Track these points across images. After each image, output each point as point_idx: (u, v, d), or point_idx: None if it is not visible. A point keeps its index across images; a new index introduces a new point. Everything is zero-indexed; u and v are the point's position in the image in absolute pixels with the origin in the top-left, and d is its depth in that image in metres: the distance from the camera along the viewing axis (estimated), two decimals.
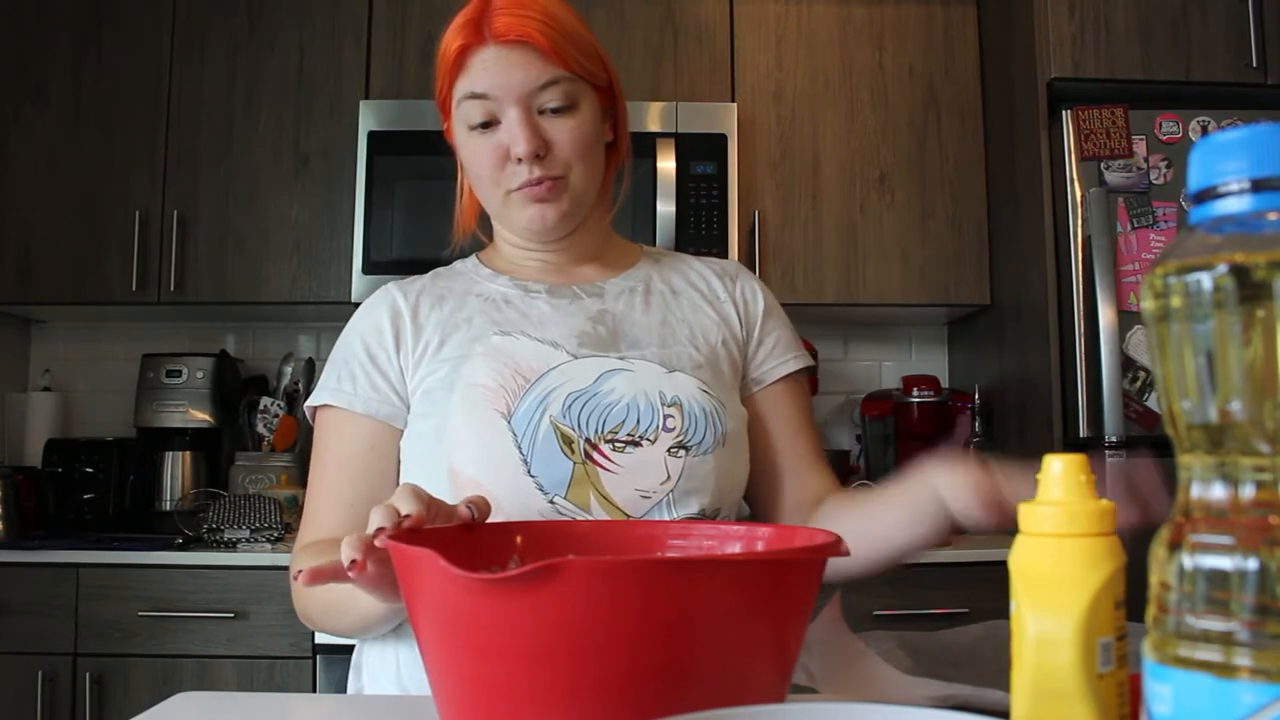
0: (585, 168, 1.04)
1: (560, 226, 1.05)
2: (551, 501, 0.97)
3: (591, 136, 1.04)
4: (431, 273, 1.15)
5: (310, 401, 1.09)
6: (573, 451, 0.98)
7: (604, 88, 1.07)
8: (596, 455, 0.98)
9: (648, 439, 0.99)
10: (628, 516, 0.98)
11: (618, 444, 0.99)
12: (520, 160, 1.00)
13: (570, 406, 0.99)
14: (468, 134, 1.03)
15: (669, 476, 0.99)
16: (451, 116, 1.05)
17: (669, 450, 1.00)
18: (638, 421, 1.00)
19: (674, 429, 1.00)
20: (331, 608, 0.97)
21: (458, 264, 1.16)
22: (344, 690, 2.11)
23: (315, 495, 1.06)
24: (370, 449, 1.05)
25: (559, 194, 1.03)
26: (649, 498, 0.99)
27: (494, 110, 1.00)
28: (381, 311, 1.08)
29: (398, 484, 1.06)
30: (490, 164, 1.02)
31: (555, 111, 1.01)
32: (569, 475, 0.97)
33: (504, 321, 1.05)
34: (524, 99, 0.99)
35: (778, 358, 1.14)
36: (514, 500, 0.97)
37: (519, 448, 0.98)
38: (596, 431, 0.99)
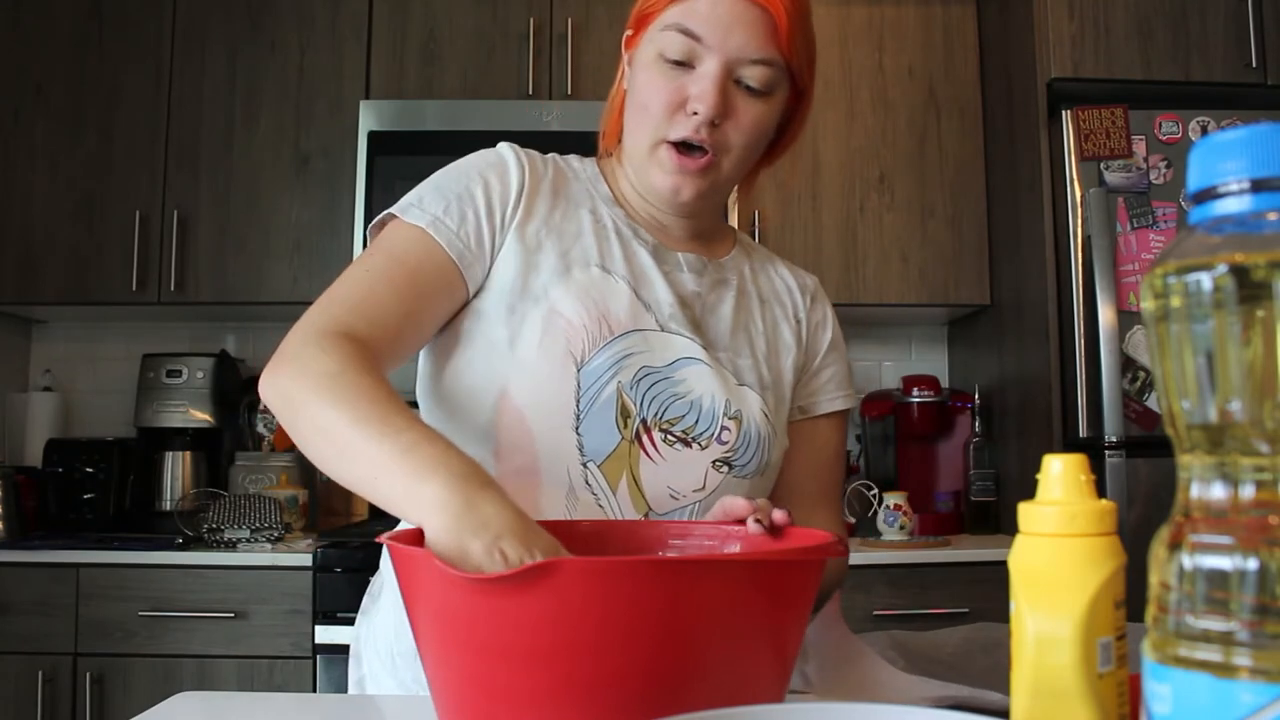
0: (743, 156, 0.98)
1: (689, 205, 1.01)
2: (585, 466, 0.94)
3: (767, 131, 0.99)
4: (552, 157, 1.06)
5: (400, 213, 0.96)
6: (626, 426, 0.94)
7: (797, 92, 1.01)
8: (645, 439, 0.95)
9: (699, 443, 0.97)
10: (649, 510, 0.95)
11: (670, 436, 0.96)
12: (695, 114, 0.94)
13: (640, 380, 0.95)
14: (654, 60, 0.96)
15: (704, 487, 0.97)
16: (644, 32, 0.99)
17: (714, 462, 0.97)
18: (696, 421, 0.97)
19: (727, 443, 0.97)
20: (343, 445, 0.79)
21: (575, 162, 1.08)
22: (344, 690, 2.11)
23: (373, 283, 0.92)
24: (446, 288, 0.95)
25: (705, 175, 0.97)
26: (677, 499, 0.96)
27: (695, 54, 0.94)
28: (512, 169, 1.00)
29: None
30: (663, 103, 0.95)
31: (750, 90, 0.95)
32: (613, 448, 0.94)
33: (609, 256, 1.00)
34: (732, 62, 0.93)
35: (829, 393, 1.11)
36: (550, 449, 0.94)
37: (578, 401, 0.94)
38: (655, 416, 0.95)
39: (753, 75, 0.94)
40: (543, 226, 0.99)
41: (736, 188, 1.08)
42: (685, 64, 0.95)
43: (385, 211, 0.98)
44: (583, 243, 1.00)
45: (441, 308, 0.96)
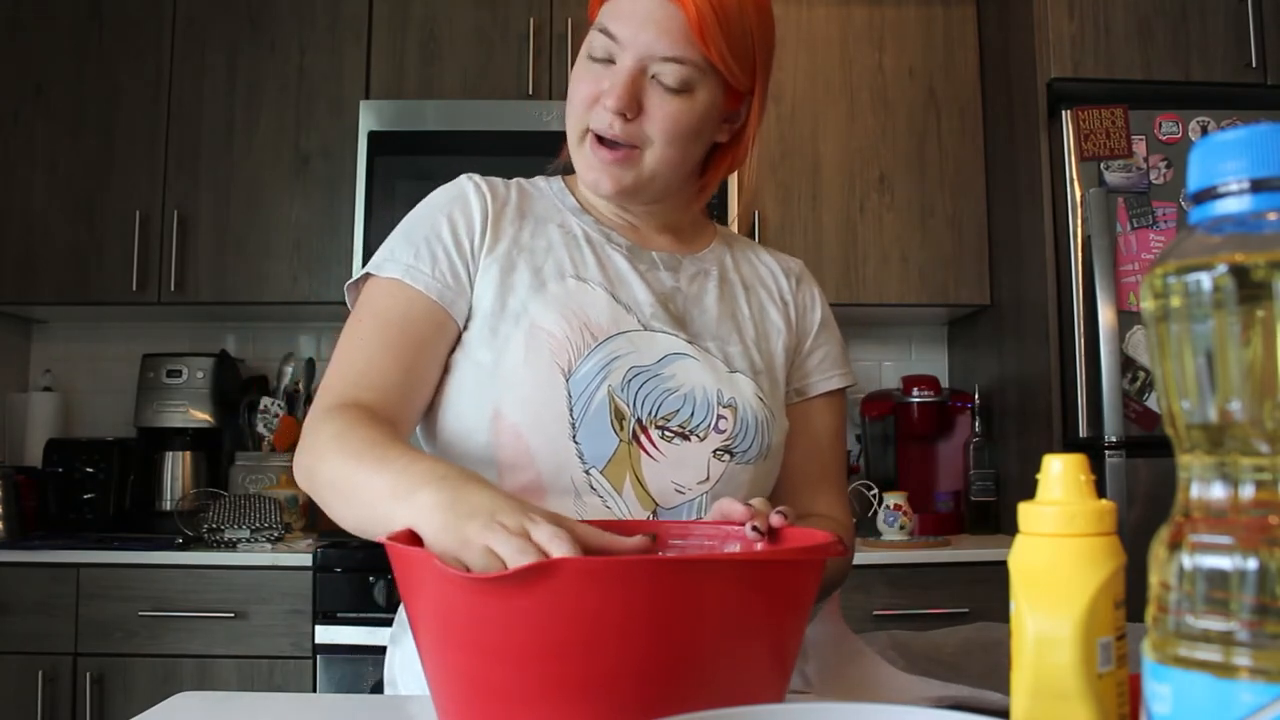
0: (667, 152, 0.98)
1: (617, 196, 1.01)
2: (587, 473, 0.95)
3: (690, 127, 0.99)
4: (515, 181, 1.09)
5: (375, 270, 1.00)
6: (622, 428, 0.96)
7: (738, 90, 1.01)
8: (643, 438, 0.96)
9: (697, 435, 0.98)
10: (657, 507, 0.96)
11: (667, 432, 0.97)
12: (607, 108, 0.97)
13: (630, 381, 0.97)
14: (583, 59, 1.00)
15: (708, 477, 0.98)
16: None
17: (714, 452, 0.98)
18: (691, 414, 0.98)
19: (725, 431, 0.98)
20: (349, 490, 0.85)
21: (540, 182, 1.11)
22: (343, 690, 2.11)
23: (368, 350, 0.96)
24: (437, 329, 0.98)
25: (627, 166, 0.99)
26: (683, 493, 0.97)
27: (613, 52, 0.97)
28: (473, 199, 1.03)
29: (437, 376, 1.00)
30: (584, 96, 0.98)
31: (667, 87, 0.97)
32: (612, 451, 0.95)
33: (582, 264, 1.02)
34: (643, 59, 0.96)
35: (824, 372, 1.12)
36: (551, 462, 0.95)
37: (571, 410, 0.95)
38: (650, 414, 0.97)
39: (667, 72, 0.96)
40: (513, 247, 1.02)
41: (701, 185, 1.08)
42: (609, 61, 0.98)
43: (362, 271, 1.02)
44: (555, 256, 1.02)
45: (438, 352, 0.99)
